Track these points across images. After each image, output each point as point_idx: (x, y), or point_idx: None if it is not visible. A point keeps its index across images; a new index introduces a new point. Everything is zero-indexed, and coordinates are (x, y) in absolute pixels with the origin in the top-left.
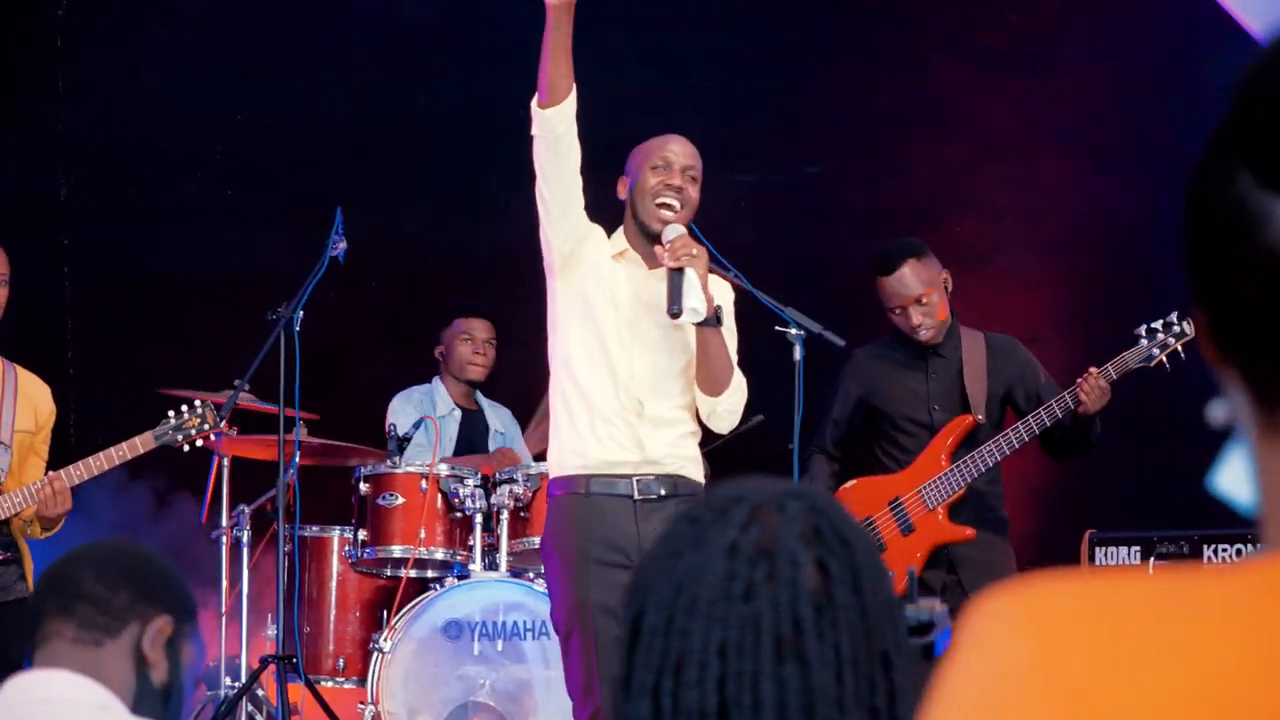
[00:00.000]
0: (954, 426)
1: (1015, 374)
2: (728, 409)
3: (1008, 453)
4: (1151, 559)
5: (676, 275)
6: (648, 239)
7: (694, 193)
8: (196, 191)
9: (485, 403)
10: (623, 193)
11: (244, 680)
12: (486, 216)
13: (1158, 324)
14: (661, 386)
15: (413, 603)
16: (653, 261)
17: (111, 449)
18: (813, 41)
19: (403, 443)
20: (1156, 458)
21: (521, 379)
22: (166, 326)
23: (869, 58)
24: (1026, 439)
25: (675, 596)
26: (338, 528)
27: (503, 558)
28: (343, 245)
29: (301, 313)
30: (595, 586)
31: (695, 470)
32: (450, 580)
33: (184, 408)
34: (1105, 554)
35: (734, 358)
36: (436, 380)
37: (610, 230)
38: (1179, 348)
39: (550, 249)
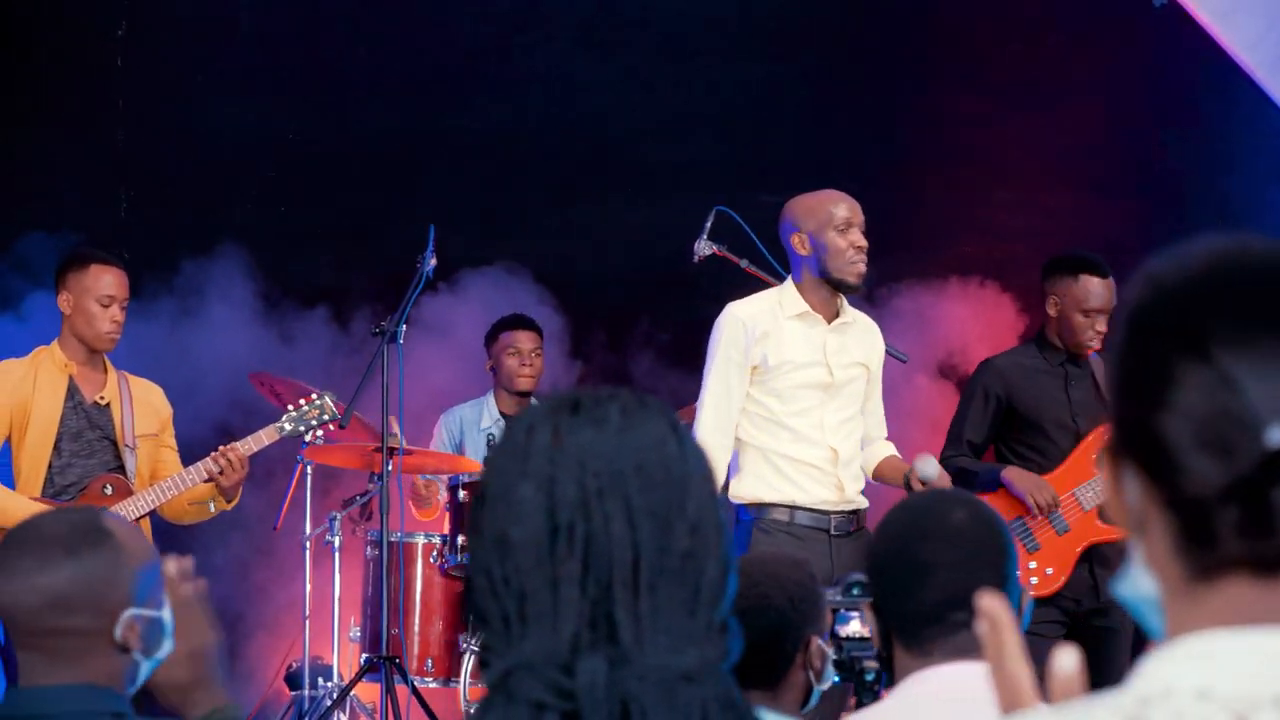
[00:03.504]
0: (1102, 433)
1: None
2: None
3: None
4: None
5: None
6: (836, 292)
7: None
8: (252, 209)
9: None
10: (802, 249)
11: (349, 680)
12: (525, 234)
13: None
14: (847, 429)
15: None
16: (830, 313)
17: (237, 443)
18: (835, 73)
19: None
20: None
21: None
22: (227, 339)
23: (888, 89)
24: None
25: None
26: (421, 533)
27: None
28: (434, 262)
29: (405, 326)
30: None
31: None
32: None
33: (302, 401)
34: None
35: None
36: (490, 393)
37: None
38: None
39: None
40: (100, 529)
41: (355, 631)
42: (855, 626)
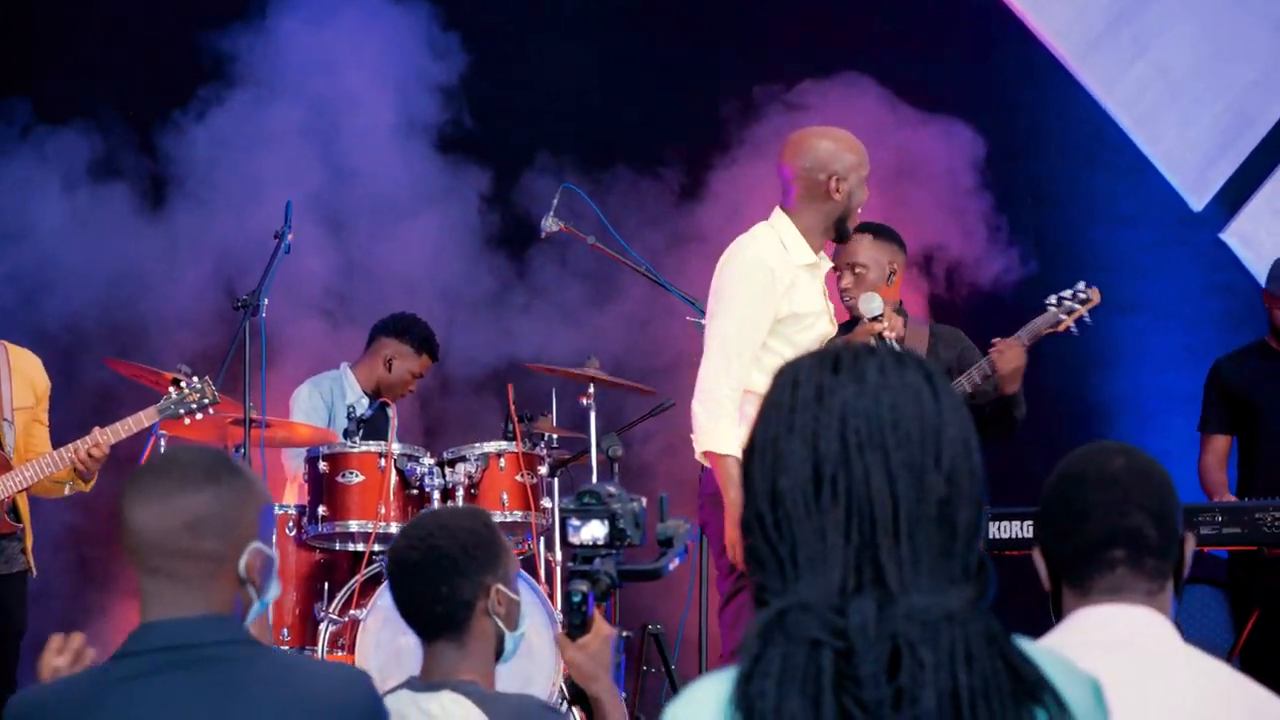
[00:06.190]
0: None
1: (952, 356)
2: None
3: None
4: None
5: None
6: (836, 237)
7: None
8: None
9: None
10: (837, 194)
11: None
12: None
13: (1066, 292)
14: None
15: (368, 571)
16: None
17: (118, 423)
18: (680, 56)
19: (361, 423)
20: (1039, 435)
21: None
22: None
23: (710, 69)
24: None
25: None
26: (277, 504)
27: None
28: (291, 236)
29: (266, 299)
30: None
31: None
32: None
33: (183, 383)
34: (999, 529)
35: None
36: (346, 367)
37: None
38: (1085, 313)
39: None
40: (233, 462)
41: None
42: (586, 534)
